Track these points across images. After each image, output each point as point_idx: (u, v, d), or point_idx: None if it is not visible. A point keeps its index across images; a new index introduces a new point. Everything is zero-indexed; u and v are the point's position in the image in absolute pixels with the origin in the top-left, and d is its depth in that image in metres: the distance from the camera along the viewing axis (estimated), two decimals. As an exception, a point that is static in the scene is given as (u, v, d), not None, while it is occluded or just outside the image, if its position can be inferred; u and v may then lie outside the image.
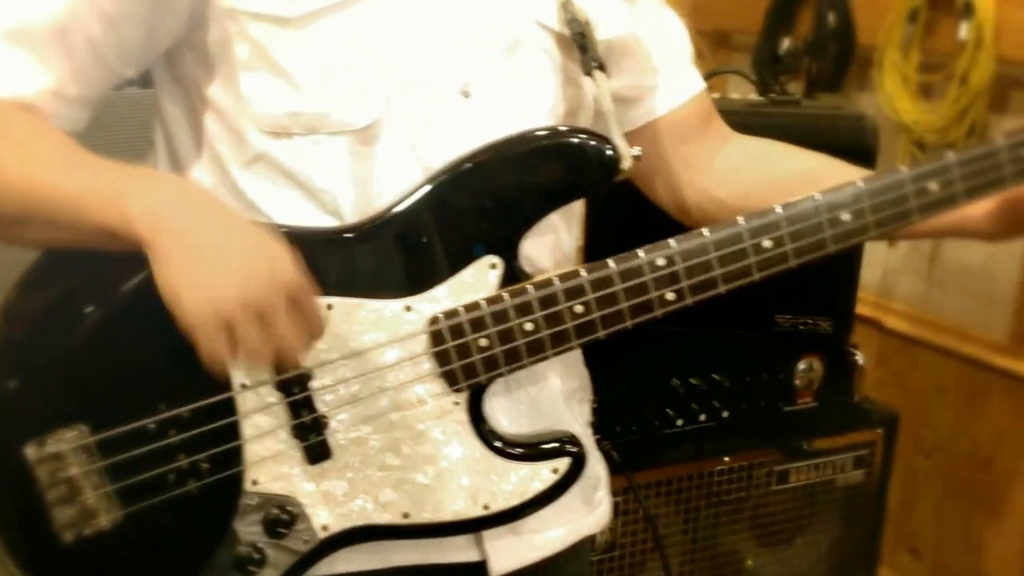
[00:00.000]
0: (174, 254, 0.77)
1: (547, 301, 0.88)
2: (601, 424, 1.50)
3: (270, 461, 0.88)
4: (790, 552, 1.64)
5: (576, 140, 0.90)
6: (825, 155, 1.04)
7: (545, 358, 0.89)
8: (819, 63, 2.10)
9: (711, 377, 1.58)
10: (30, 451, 0.84)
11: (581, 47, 0.92)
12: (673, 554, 1.54)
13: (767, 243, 0.88)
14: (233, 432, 0.87)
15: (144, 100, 1.08)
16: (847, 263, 1.61)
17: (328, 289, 0.86)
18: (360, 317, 0.87)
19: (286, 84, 0.85)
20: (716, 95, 1.75)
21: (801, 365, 1.62)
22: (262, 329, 0.78)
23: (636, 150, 0.91)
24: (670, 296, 0.89)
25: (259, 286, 0.77)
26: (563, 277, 0.88)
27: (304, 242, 0.85)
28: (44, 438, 0.84)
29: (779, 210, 0.89)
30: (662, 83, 1.04)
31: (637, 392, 1.54)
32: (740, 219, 0.89)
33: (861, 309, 1.72)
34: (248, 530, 0.89)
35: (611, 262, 0.89)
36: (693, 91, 1.06)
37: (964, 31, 1.80)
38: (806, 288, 1.57)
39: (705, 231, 0.89)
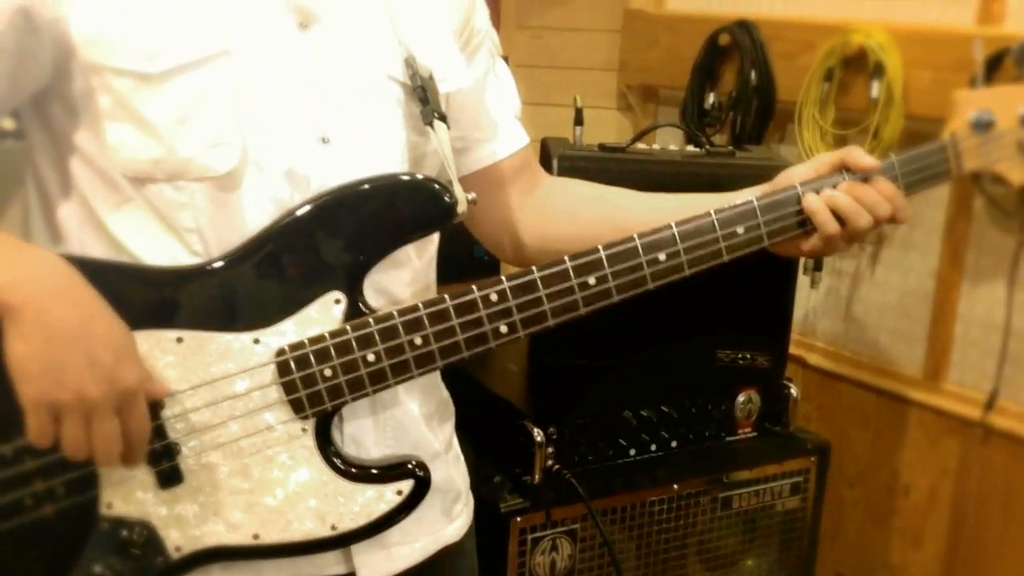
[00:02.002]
0: (31, 330, 0.80)
1: (388, 333, 0.94)
2: (561, 454, 1.57)
3: (123, 486, 0.92)
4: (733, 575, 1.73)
5: (416, 184, 0.97)
6: (614, 188, 1.16)
7: (388, 386, 0.96)
8: (743, 117, 2.24)
9: (660, 409, 1.66)
10: None
11: (423, 100, 0.99)
12: (627, 579, 1.61)
13: (592, 280, 0.98)
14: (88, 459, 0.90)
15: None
16: (781, 303, 1.73)
17: (180, 322, 0.91)
18: (210, 349, 0.92)
19: (148, 134, 0.89)
20: (656, 145, 1.87)
21: (741, 398, 1.72)
22: (86, 428, 0.82)
23: (471, 195, 0.98)
24: (503, 329, 0.96)
25: (98, 385, 0.81)
26: (403, 311, 0.95)
27: (157, 278, 0.91)
28: None
29: (601, 249, 0.98)
30: (492, 136, 1.14)
31: (593, 424, 1.61)
32: (566, 258, 0.98)
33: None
34: (103, 552, 0.92)
35: (447, 297, 0.96)
36: (518, 145, 1.16)
37: (876, 90, 1.95)
38: (745, 325, 1.68)
39: (534, 269, 0.97)
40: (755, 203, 1.02)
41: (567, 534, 1.55)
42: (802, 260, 1.89)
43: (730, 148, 1.77)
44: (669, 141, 2.27)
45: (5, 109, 0.92)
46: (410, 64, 0.99)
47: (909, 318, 2.05)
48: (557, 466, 1.54)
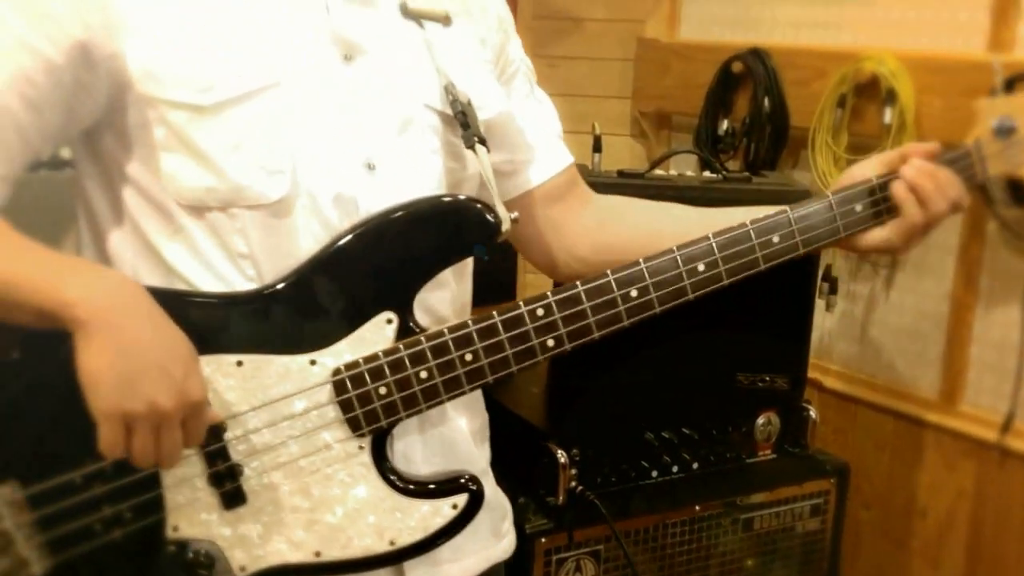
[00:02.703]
0: (103, 344, 0.83)
1: (439, 350, 0.97)
2: (584, 476, 1.59)
3: (188, 508, 0.95)
4: (755, 597, 1.74)
5: (461, 205, 1.00)
6: (666, 203, 1.21)
7: (441, 402, 0.99)
8: (756, 143, 2.27)
9: (681, 431, 1.68)
10: None
11: (463, 124, 1.02)
12: (650, 600, 1.62)
13: (634, 292, 1.01)
14: (154, 482, 0.93)
15: (54, 181, 1.14)
16: (800, 325, 1.76)
17: (239, 346, 0.94)
18: (269, 371, 0.95)
19: (202, 163, 0.92)
20: (673, 172, 1.91)
21: (761, 420, 1.74)
22: (155, 437, 0.85)
23: (514, 215, 1.01)
24: (550, 343, 0.99)
25: (168, 398, 0.84)
26: (453, 328, 0.98)
27: (215, 304, 0.94)
28: None
29: (642, 262, 1.02)
30: (534, 158, 1.17)
31: (616, 446, 1.63)
32: (608, 272, 1.01)
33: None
34: (171, 574, 0.95)
35: (495, 313, 0.99)
36: (562, 165, 1.20)
37: (888, 116, 1.98)
38: (764, 348, 1.70)
39: (578, 283, 1.01)
40: (789, 213, 1.07)
41: (591, 555, 1.56)
42: (817, 283, 1.91)
43: (746, 174, 1.80)
44: (684, 167, 2.30)
45: (61, 141, 0.96)
46: (449, 91, 1.02)
47: (924, 341, 2.06)
48: (580, 487, 1.56)
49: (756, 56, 2.25)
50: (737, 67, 2.30)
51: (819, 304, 2.03)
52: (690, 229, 1.07)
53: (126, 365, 0.83)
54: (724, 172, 1.78)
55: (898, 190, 1.07)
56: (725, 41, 2.38)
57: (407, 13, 1.02)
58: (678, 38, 2.53)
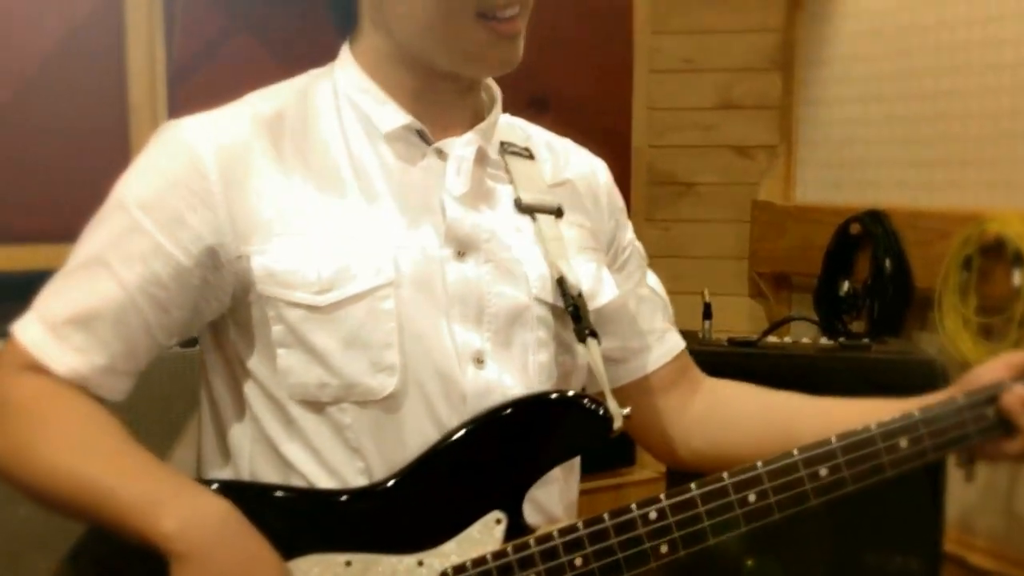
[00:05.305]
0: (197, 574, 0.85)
1: (548, 555, 0.93)
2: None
3: None
4: None
5: (572, 403, 0.98)
6: (777, 393, 1.15)
7: None
8: (880, 305, 2.21)
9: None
10: None
11: (575, 317, 1.01)
12: None
13: (752, 496, 0.96)
14: None
15: (184, 358, 1.18)
16: (931, 499, 1.65)
17: (347, 545, 0.93)
18: (377, 571, 0.93)
19: (316, 360, 0.94)
20: (787, 338, 1.87)
21: (894, 605, 1.63)
22: None
23: (626, 410, 0.98)
24: (664, 548, 0.94)
25: None
26: (563, 531, 0.94)
27: (324, 502, 0.94)
28: None
29: (760, 465, 0.97)
30: (647, 345, 1.15)
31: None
32: (725, 475, 0.96)
33: (944, 546, 1.73)
34: None
35: (606, 516, 0.95)
36: (674, 352, 1.17)
37: (1017, 279, 1.90)
38: (892, 524, 1.60)
39: (693, 486, 0.96)
40: (916, 415, 1.00)
41: None
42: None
43: (865, 341, 1.75)
44: (804, 329, 2.25)
45: (187, 334, 1.01)
46: (560, 285, 1.02)
47: (1077, 517, 1.91)
48: None
49: (875, 217, 2.22)
50: (855, 228, 2.27)
51: (957, 474, 1.91)
52: (805, 423, 1.04)
53: None
54: (841, 339, 1.73)
55: (1012, 403, 1.00)
56: (842, 203, 2.37)
57: (520, 207, 1.05)
58: (793, 200, 2.53)
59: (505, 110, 1.09)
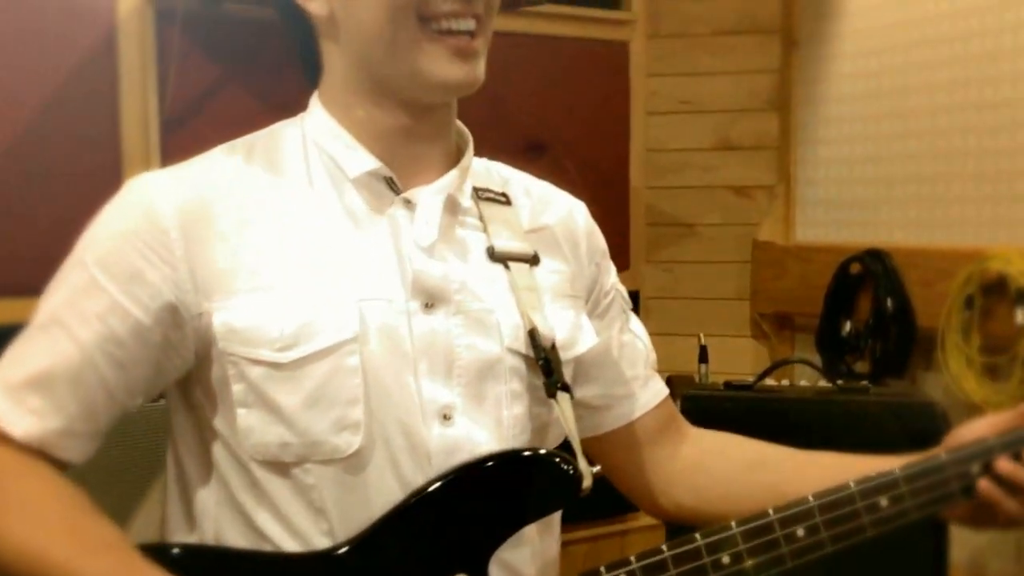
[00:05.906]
0: None
1: None
2: None
3: None
4: None
5: (540, 460, 0.95)
6: (770, 445, 1.11)
7: None
8: (882, 345, 2.18)
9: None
10: None
11: (546, 371, 0.98)
12: None
13: (726, 559, 0.93)
14: None
15: (152, 413, 1.15)
16: (934, 544, 1.60)
17: None
18: None
19: (277, 419, 0.91)
20: (785, 381, 1.84)
21: (898, 656, 1.57)
22: None
23: (596, 468, 0.95)
24: None
25: None
26: None
27: (286, 569, 0.91)
28: None
29: (735, 527, 0.94)
30: (630, 392, 1.12)
31: None
32: (698, 536, 0.93)
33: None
34: None
35: (602, 569, 0.91)
36: (658, 399, 1.14)
37: (1020, 316, 1.87)
38: (895, 571, 1.56)
39: (664, 548, 0.93)
40: (898, 473, 0.97)
41: None
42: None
43: (864, 383, 1.72)
44: (808, 370, 2.22)
45: (151, 393, 0.98)
46: (533, 336, 0.99)
47: (1090, 562, 1.85)
48: None
49: (875, 256, 2.19)
50: (855, 268, 2.24)
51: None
52: (790, 479, 1.01)
53: None
54: (840, 382, 1.70)
55: (983, 488, 0.96)
56: (841, 242, 2.35)
57: (493, 256, 1.01)
58: (794, 240, 2.51)
59: (502, 154, 1.06)
